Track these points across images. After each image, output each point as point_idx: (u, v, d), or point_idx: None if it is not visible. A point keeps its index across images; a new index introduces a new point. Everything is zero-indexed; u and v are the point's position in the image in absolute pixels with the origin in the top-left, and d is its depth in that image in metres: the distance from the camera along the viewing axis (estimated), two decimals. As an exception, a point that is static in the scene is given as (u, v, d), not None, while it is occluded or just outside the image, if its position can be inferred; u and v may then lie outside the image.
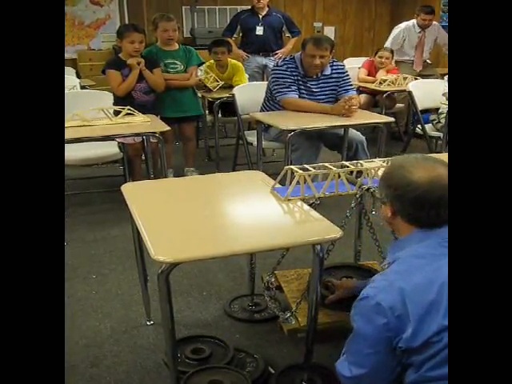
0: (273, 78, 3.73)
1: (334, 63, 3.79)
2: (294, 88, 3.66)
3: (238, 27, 5.77)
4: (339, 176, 2.02)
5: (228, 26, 5.96)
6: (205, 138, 4.98)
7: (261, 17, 5.66)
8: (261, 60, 5.73)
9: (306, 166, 2.05)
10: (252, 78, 5.32)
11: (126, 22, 7.36)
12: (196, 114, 4.35)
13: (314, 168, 2.03)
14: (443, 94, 4.38)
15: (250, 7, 5.80)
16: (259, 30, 5.65)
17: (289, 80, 3.65)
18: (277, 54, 5.69)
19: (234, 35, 5.81)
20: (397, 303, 1.27)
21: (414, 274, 1.30)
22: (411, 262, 1.34)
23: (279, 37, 5.82)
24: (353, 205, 2.10)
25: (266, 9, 5.69)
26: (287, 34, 5.86)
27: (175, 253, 1.53)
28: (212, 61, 4.77)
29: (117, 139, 3.60)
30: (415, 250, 1.37)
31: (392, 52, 5.40)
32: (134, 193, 2.02)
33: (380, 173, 2.12)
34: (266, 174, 2.27)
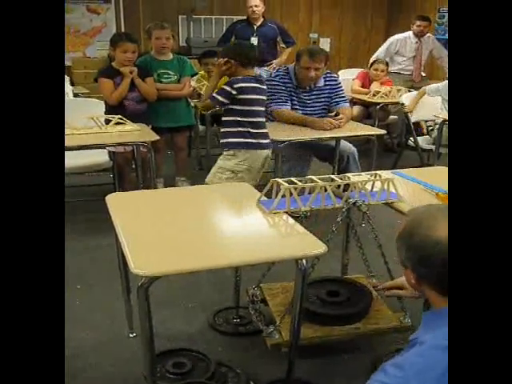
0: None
1: (328, 75, 3.79)
2: (285, 99, 3.65)
3: (233, 37, 5.77)
4: (326, 189, 2.01)
5: (223, 36, 5.95)
6: (197, 148, 4.98)
7: (255, 27, 5.66)
8: (255, 70, 5.72)
9: (292, 179, 2.03)
10: (246, 88, 5.31)
11: (123, 30, 7.37)
12: (188, 124, 4.36)
13: (301, 181, 2.02)
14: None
15: (245, 17, 5.80)
16: (254, 41, 5.63)
17: (281, 91, 3.64)
18: (271, 64, 5.68)
19: None
20: None
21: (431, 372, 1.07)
22: (433, 356, 1.07)
23: (274, 47, 5.82)
24: (339, 219, 2.08)
25: (261, 19, 5.68)
26: (282, 45, 5.87)
27: (155, 266, 1.51)
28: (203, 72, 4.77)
29: (107, 148, 3.59)
30: (443, 337, 1.06)
31: (387, 64, 5.41)
32: (119, 203, 2.00)
33: (367, 186, 2.13)
34: (258, 184, 2.26)
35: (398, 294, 1.85)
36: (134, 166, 3.76)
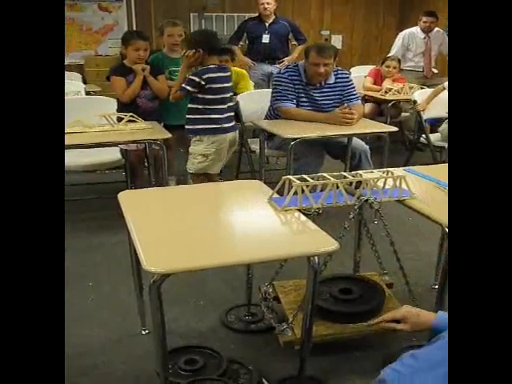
0: (273, 85, 3.73)
1: (339, 71, 3.76)
2: (291, 97, 3.64)
3: (245, 35, 5.77)
4: (338, 187, 2.00)
5: (234, 33, 5.96)
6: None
7: (267, 24, 5.66)
8: (267, 68, 5.72)
9: (303, 176, 2.03)
10: (257, 86, 5.31)
11: (134, 28, 7.40)
12: None
13: (313, 178, 2.01)
14: None
15: (256, 15, 5.79)
16: (265, 38, 5.64)
17: (288, 88, 3.63)
18: (283, 61, 5.67)
19: (241, 43, 5.81)
20: None
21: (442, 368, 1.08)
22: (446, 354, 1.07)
23: (285, 44, 5.82)
24: (351, 216, 2.08)
25: (273, 16, 5.68)
26: (293, 42, 5.85)
27: (167, 263, 1.51)
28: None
29: (119, 146, 3.60)
30: None
31: (399, 61, 5.39)
32: (131, 201, 2.01)
33: (379, 183, 2.12)
34: (269, 182, 2.26)
35: (395, 328, 1.77)
36: (146, 164, 3.77)
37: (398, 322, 1.77)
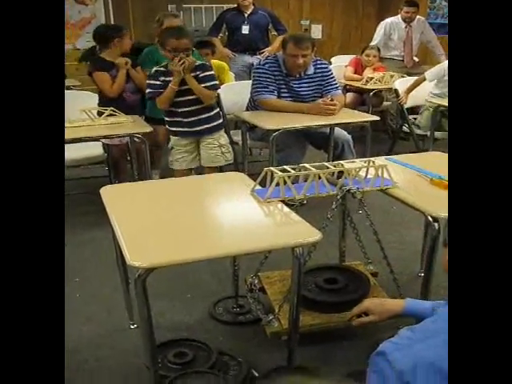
0: (253, 77, 3.72)
1: (318, 62, 3.76)
2: (272, 88, 3.63)
3: (224, 26, 5.74)
4: (320, 177, 2.01)
5: (213, 25, 5.91)
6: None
7: (246, 15, 5.63)
8: (248, 59, 5.70)
9: (285, 167, 2.04)
10: (238, 77, 5.29)
11: (112, 21, 7.32)
12: None
13: (295, 169, 2.02)
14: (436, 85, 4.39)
15: (235, 5, 5.76)
16: (245, 29, 5.62)
17: (268, 79, 3.62)
18: (263, 52, 5.66)
19: (220, 34, 5.78)
20: (408, 369, 1.12)
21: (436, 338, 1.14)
22: (442, 324, 1.12)
23: (265, 35, 5.79)
24: (333, 206, 2.09)
25: (252, 7, 5.64)
26: (273, 32, 5.84)
27: (152, 258, 1.52)
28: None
29: (102, 140, 3.58)
30: None
31: (379, 50, 5.41)
32: (114, 196, 2.00)
33: (362, 173, 2.13)
34: (252, 173, 2.26)
35: (365, 321, 1.87)
36: (129, 158, 3.76)
37: (367, 314, 1.85)
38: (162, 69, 3.22)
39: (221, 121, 3.47)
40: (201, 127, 3.34)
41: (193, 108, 3.27)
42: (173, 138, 3.44)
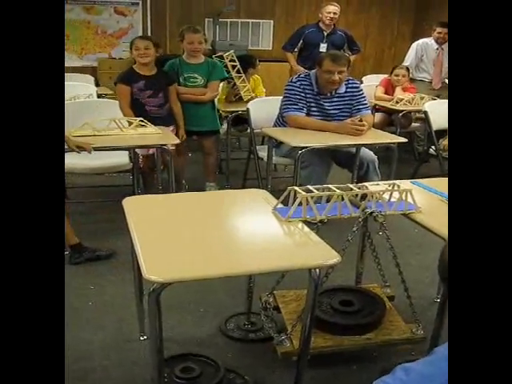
0: (284, 93, 3.72)
1: (350, 81, 3.75)
2: (301, 105, 3.63)
3: (300, 42, 5.80)
4: (343, 198, 2.00)
5: (290, 39, 5.99)
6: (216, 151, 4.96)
7: (326, 34, 5.73)
8: None
9: (309, 187, 2.02)
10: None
11: (149, 32, 7.44)
12: (212, 128, 4.25)
13: (318, 189, 2.00)
14: None
15: (315, 23, 5.87)
16: (323, 47, 5.71)
17: (298, 96, 3.62)
18: None
19: (295, 50, 5.84)
20: None
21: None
22: (440, 367, 1.07)
23: None
24: (354, 229, 2.07)
25: (332, 27, 5.76)
26: (347, 52, 5.85)
27: (168, 272, 1.51)
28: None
29: (136, 150, 3.62)
30: None
31: (408, 70, 5.37)
32: (136, 206, 2.01)
33: (385, 196, 2.10)
34: (276, 189, 2.24)
35: None
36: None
37: None
38: None
39: None
40: None
41: None
42: None
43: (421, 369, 1.12)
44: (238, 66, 4.62)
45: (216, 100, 4.35)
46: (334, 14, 5.68)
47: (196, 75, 4.03)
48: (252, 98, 4.68)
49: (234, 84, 4.64)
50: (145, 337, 2.34)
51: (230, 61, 4.59)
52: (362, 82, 5.37)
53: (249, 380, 2.04)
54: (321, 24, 5.77)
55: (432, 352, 1.20)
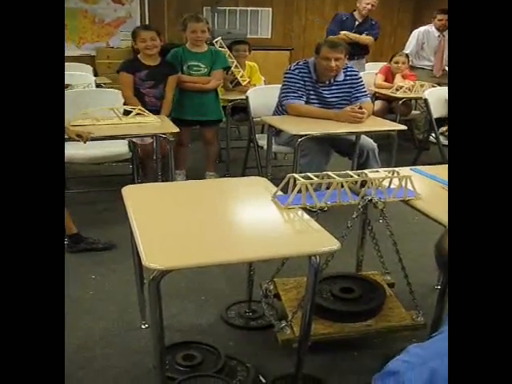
0: (283, 81, 3.71)
1: (349, 68, 3.74)
2: (300, 93, 3.62)
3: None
4: (342, 185, 1.99)
5: (333, 27, 5.92)
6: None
7: (357, 23, 5.75)
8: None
9: (308, 174, 2.02)
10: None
11: (147, 21, 7.40)
12: (215, 118, 4.22)
13: (318, 177, 2.00)
14: None
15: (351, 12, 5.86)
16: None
17: (297, 85, 3.61)
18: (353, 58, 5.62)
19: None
20: None
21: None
22: None
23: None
24: (354, 216, 2.06)
25: (365, 17, 5.77)
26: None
27: (168, 260, 1.51)
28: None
29: (133, 139, 3.60)
30: None
31: (407, 57, 5.35)
32: (135, 195, 2.00)
33: (385, 183, 2.10)
34: (276, 178, 2.23)
35: None
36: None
37: None
38: None
39: None
40: None
41: None
42: None
43: (435, 344, 1.14)
44: (229, 52, 4.60)
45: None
46: (372, 5, 5.66)
47: (200, 64, 4.00)
48: (249, 83, 4.67)
49: (229, 69, 4.60)
50: (146, 325, 2.34)
51: (219, 47, 4.58)
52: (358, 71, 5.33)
53: (250, 367, 2.05)
54: (355, 13, 5.77)
55: (439, 331, 1.22)
